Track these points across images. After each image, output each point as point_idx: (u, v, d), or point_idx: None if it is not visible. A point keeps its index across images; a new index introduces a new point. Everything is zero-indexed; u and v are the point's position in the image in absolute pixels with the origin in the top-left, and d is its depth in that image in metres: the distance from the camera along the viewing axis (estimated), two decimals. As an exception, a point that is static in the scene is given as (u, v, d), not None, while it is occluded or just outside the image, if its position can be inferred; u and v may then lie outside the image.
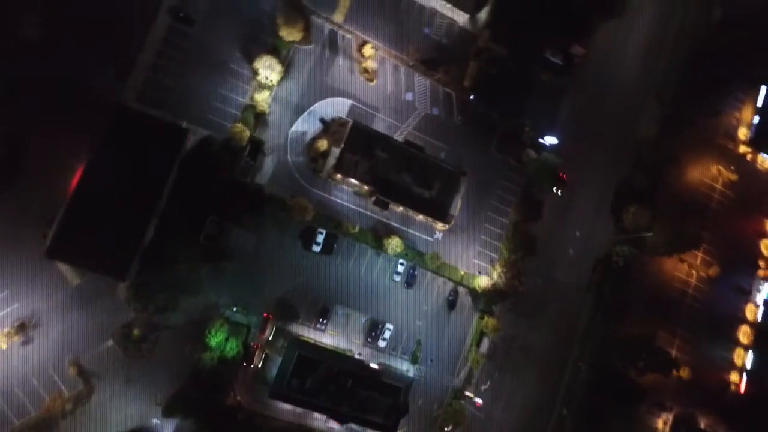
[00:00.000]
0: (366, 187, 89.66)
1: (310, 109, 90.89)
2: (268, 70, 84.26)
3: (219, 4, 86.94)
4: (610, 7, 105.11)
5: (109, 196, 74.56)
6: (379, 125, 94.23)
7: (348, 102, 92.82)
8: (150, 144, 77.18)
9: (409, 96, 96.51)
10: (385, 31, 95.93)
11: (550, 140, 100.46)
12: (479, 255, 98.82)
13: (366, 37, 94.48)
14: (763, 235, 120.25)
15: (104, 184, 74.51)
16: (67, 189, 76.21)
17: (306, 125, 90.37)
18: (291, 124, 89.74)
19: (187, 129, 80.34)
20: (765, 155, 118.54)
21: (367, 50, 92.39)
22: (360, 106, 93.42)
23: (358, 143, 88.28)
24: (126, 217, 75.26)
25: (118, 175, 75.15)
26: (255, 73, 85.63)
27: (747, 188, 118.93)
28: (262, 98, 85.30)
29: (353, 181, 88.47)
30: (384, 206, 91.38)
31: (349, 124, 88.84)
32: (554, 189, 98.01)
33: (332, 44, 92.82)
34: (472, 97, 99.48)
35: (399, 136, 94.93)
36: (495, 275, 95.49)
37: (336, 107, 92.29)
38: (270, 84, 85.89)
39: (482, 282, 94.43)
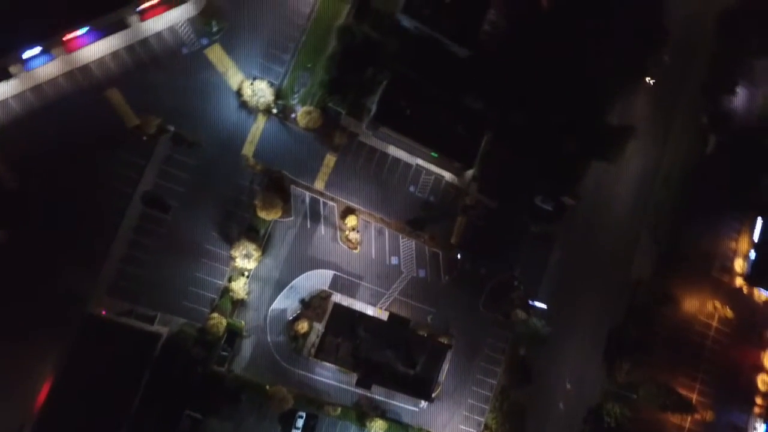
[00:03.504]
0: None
1: (291, 284, 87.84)
2: (245, 259, 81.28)
3: (195, 185, 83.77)
4: (603, 155, 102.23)
5: (77, 412, 71.75)
6: (364, 294, 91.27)
7: (330, 273, 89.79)
8: (120, 353, 74.46)
9: (394, 260, 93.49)
10: (369, 194, 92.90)
11: (539, 304, 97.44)
12: (466, 420, 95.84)
13: (348, 203, 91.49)
14: (760, 369, 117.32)
15: (72, 399, 71.81)
16: (34, 398, 73.52)
17: (287, 302, 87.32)
18: (271, 302, 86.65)
19: (159, 333, 77.32)
20: (762, 290, 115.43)
21: (350, 220, 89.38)
22: (343, 275, 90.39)
23: (339, 325, 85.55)
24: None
25: (87, 389, 72.60)
26: (232, 259, 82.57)
27: (743, 321, 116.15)
28: (240, 286, 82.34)
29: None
30: (367, 387, 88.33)
31: (330, 305, 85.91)
32: None
33: (313, 213, 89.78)
34: (459, 255, 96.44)
35: (384, 304, 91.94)
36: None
37: (318, 279, 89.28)
38: (247, 271, 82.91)
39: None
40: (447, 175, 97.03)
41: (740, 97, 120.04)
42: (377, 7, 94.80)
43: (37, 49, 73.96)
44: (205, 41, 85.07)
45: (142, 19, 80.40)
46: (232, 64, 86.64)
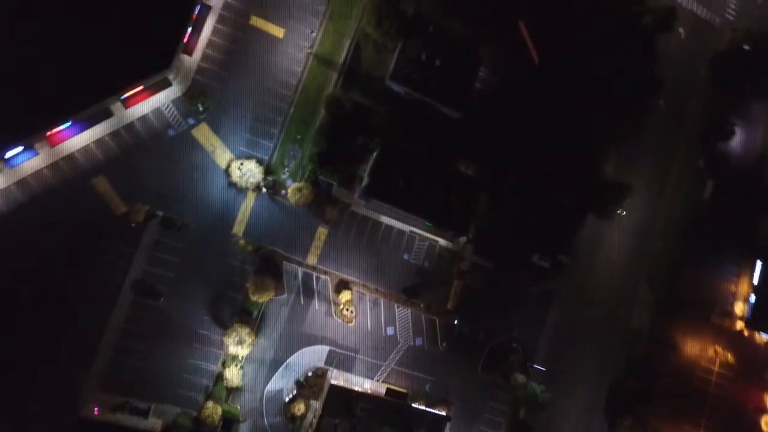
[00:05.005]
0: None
1: (287, 362, 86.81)
2: (239, 345, 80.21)
3: (185, 268, 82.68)
4: (600, 212, 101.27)
5: None
6: (360, 367, 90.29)
7: (326, 348, 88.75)
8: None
9: (390, 330, 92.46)
10: (363, 265, 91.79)
11: (538, 367, 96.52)
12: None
13: (342, 275, 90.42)
14: (764, 411, 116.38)
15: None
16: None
17: (282, 381, 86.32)
18: (266, 383, 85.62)
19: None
20: (764, 334, 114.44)
21: (345, 296, 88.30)
22: (339, 350, 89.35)
23: (336, 405, 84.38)
24: None
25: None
26: (225, 346, 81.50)
27: (745, 365, 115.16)
28: (234, 374, 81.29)
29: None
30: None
31: (327, 385, 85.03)
32: None
33: (306, 288, 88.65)
34: (456, 321, 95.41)
35: (381, 376, 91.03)
36: None
37: (313, 356, 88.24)
38: (241, 358, 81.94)
39: None
40: (441, 241, 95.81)
41: (737, 138, 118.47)
42: (366, 72, 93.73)
43: (19, 148, 72.57)
44: (191, 121, 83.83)
45: (127, 107, 79.22)
46: (219, 143, 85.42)
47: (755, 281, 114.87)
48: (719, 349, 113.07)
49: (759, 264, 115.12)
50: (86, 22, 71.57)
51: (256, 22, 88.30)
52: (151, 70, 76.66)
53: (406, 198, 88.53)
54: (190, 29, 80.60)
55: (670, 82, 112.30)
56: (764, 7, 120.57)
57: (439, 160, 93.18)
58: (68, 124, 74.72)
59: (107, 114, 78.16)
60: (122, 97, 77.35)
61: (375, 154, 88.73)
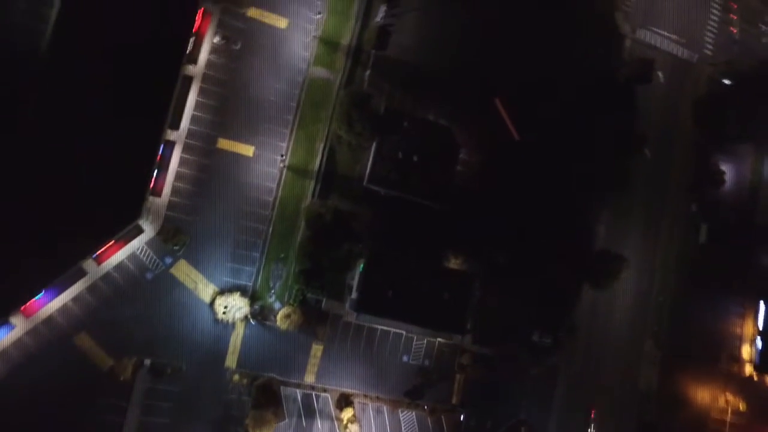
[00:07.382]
0: None
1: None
2: (245, 489, 78.67)
3: (181, 412, 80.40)
4: (596, 284, 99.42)
5: None
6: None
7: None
8: None
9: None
10: (362, 375, 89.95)
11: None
12: None
13: (342, 389, 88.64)
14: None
15: None
16: None
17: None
18: None
19: None
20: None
21: (347, 413, 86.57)
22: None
23: None
24: None
25: None
26: (231, 488, 79.98)
27: (758, 409, 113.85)
28: None
29: None
30: None
31: None
32: None
33: (307, 409, 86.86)
34: (462, 416, 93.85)
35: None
36: None
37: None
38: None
39: None
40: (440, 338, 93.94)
41: (727, 176, 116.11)
42: (343, 174, 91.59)
43: (-7, 330, 70.50)
44: (168, 260, 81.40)
45: (100, 263, 76.79)
46: (200, 277, 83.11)
47: (760, 325, 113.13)
48: (730, 397, 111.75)
49: (762, 306, 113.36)
50: (50, 194, 69.11)
51: (224, 144, 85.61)
52: (120, 224, 73.99)
53: (398, 308, 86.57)
54: (156, 171, 77.79)
55: (653, 129, 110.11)
56: (742, 41, 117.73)
57: (427, 258, 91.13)
58: (41, 294, 72.19)
59: (81, 273, 75.74)
60: (94, 256, 74.74)
61: (361, 266, 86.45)
